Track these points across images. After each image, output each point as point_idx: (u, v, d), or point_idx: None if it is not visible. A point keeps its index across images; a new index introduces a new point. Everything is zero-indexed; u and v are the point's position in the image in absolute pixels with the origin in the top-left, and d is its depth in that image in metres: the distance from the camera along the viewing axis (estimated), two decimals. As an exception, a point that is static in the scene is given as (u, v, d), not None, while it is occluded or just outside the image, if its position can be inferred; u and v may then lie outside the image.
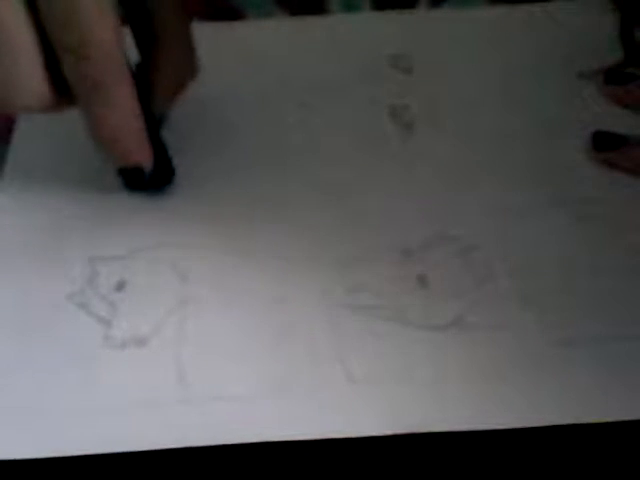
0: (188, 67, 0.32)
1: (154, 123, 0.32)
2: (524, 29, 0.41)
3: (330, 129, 0.36)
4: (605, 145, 0.34)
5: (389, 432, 0.26)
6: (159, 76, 0.31)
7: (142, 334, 0.29)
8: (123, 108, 0.28)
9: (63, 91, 0.28)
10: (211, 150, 0.35)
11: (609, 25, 0.40)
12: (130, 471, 0.26)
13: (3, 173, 0.35)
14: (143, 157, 0.31)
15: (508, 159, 0.35)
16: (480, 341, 0.28)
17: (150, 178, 0.32)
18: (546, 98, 0.37)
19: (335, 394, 0.27)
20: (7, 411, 0.27)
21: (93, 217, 0.33)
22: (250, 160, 0.35)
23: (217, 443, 0.26)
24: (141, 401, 0.27)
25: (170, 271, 0.31)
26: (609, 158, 0.34)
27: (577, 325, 0.29)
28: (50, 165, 0.35)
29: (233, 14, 0.42)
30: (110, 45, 0.26)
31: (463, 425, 0.26)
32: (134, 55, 0.31)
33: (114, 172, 0.32)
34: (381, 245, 0.32)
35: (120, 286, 0.31)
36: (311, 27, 0.42)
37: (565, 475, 0.26)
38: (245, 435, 0.26)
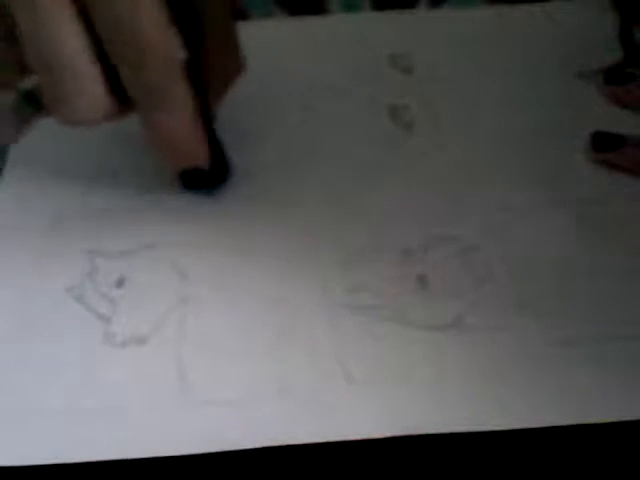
0: (236, 64, 0.32)
1: (210, 123, 0.32)
2: (524, 29, 0.41)
3: (330, 129, 0.37)
4: (604, 145, 0.34)
5: (388, 433, 0.26)
6: (211, 75, 0.31)
7: (142, 332, 0.29)
8: (182, 112, 0.28)
9: (123, 99, 0.28)
10: None
11: (609, 25, 0.40)
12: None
13: (3, 171, 0.35)
14: (203, 158, 0.31)
15: (508, 159, 0.35)
16: (480, 342, 0.28)
17: (207, 177, 0.32)
18: (546, 98, 0.37)
19: (334, 395, 0.27)
20: (5, 409, 0.27)
21: (93, 214, 0.33)
22: (249, 160, 0.35)
23: (215, 443, 0.26)
24: (141, 400, 0.27)
25: (170, 269, 0.31)
26: (608, 158, 0.34)
27: (576, 325, 0.29)
28: (50, 162, 0.35)
29: (237, 14, 0.42)
30: (166, 52, 0.26)
31: (462, 426, 0.26)
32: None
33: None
34: (381, 245, 0.32)
35: (120, 283, 0.31)
36: (311, 27, 0.42)
37: (565, 476, 0.26)
38: (244, 435, 0.26)
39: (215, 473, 0.26)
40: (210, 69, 0.31)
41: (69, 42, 0.25)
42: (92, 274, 0.31)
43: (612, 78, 0.37)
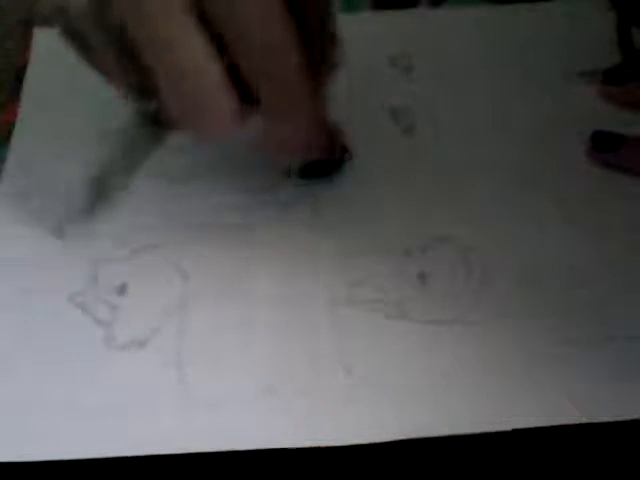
0: (337, 58, 0.31)
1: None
2: (524, 29, 0.41)
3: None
4: (604, 145, 0.34)
5: (388, 433, 0.26)
6: (319, 71, 0.30)
7: (142, 335, 0.29)
8: (310, 112, 0.28)
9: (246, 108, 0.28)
10: (206, 148, 0.35)
11: (608, 25, 0.40)
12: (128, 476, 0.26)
13: (3, 172, 0.35)
14: (328, 151, 0.31)
15: (507, 159, 0.35)
16: (479, 341, 0.28)
17: (326, 166, 0.33)
18: (546, 98, 0.37)
19: (335, 393, 0.27)
20: (7, 411, 0.27)
21: (95, 219, 0.33)
22: (248, 159, 0.35)
23: (217, 444, 0.26)
24: (141, 402, 0.27)
25: (171, 271, 0.31)
26: (608, 158, 0.34)
27: (576, 325, 0.29)
28: (49, 164, 0.35)
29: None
30: (294, 56, 0.26)
31: (464, 427, 0.26)
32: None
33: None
34: (382, 245, 0.32)
35: (122, 287, 0.31)
36: None
37: (567, 475, 0.26)
38: (244, 436, 0.26)
39: (215, 473, 0.26)
40: (319, 65, 0.30)
41: (206, 64, 0.25)
42: (94, 278, 0.31)
43: (611, 78, 0.37)
